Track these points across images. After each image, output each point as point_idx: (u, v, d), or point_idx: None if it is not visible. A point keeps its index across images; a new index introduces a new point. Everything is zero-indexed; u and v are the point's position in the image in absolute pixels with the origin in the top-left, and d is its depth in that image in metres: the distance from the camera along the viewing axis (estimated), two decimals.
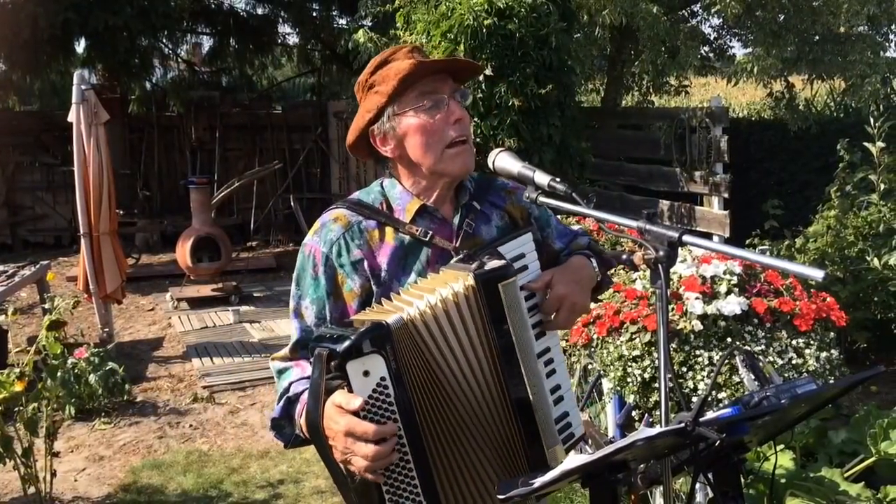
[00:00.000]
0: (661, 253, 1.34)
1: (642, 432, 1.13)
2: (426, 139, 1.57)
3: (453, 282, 1.46)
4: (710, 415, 1.31)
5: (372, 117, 1.61)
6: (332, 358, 1.35)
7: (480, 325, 1.47)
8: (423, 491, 1.40)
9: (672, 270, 3.22)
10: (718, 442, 1.22)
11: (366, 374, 1.35)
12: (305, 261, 1.61)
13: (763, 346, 3.05)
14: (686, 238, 1.34)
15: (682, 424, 1.17)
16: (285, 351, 1.62)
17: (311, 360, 1.38)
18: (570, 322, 1.62)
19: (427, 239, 1.60)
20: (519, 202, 1.75)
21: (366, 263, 1.57)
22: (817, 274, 1.22)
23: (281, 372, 1.61)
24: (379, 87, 1.60)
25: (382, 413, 1.37)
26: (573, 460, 1.20)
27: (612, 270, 1.83)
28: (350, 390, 1.35)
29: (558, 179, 1.56)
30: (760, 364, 2.91)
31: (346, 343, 1.33)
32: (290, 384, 1.57)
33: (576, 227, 1.89)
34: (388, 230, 1.60)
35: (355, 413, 1.34)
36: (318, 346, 1.37)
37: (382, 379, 1.36)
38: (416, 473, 1.39)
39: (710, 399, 2.91)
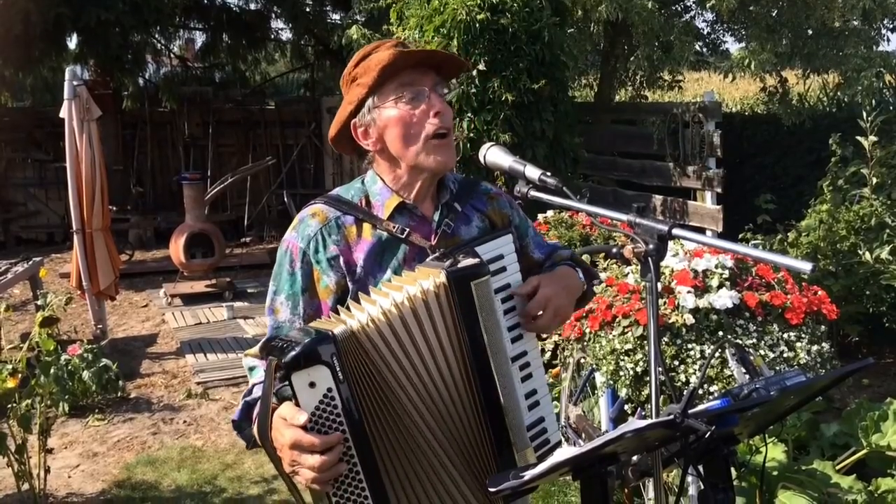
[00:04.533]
0: (651, 246, 1.35)
1: (632, 424, 1.14)
2: (405, 131, 1.56)
3: (424, 279, 1.44)
4: (699, 407, 1.32)
5: (353, 109, 1.60)
6: (279, 368, 1.34)
7: (451, 323, 1.45)
8: (373, 500, 1.38)
9: (664, 264, 3.24)
10: (708, 434, 1.22)
11: (311, 385, 1.33)
12: (283, 257, 1.60)
13: (754, 340, 3.06)
14: (676, 231, 1.35)
15: (672, 416, 1.18)
16: (256, 349, 1.60)
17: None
18: (552, 325, 1.61)
19: (403, 236, 1.59)
20: (501, 208, 1.74)
21: (342, 260, 1.56)
22: (806, 266, 1.23)
23: (252, 369, 1.60)
24: (360, 80, 1.59)
25: (330, 424, 1.35)
26: (564, 453, 1.20)
27: (596, 282, 1.83)
28: (296, 401, 1.34)
29: (549, 174, 1.56)
30: (751, 357, 2.92)
31: (291, 354, 1.32)
32: (253, 386, 1.56)
33: (554, 241, 1.89)
34: (366, 226, 1.59)
35: (302, 427, 1.33)
36: (270, 354, 1.37)
37: (329, 390, 1.34)
38: (365, 484, 1.38)
39: (701, 392, 2.92)
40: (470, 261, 1.48)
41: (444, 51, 1.66)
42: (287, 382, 1.34)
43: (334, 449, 1.34)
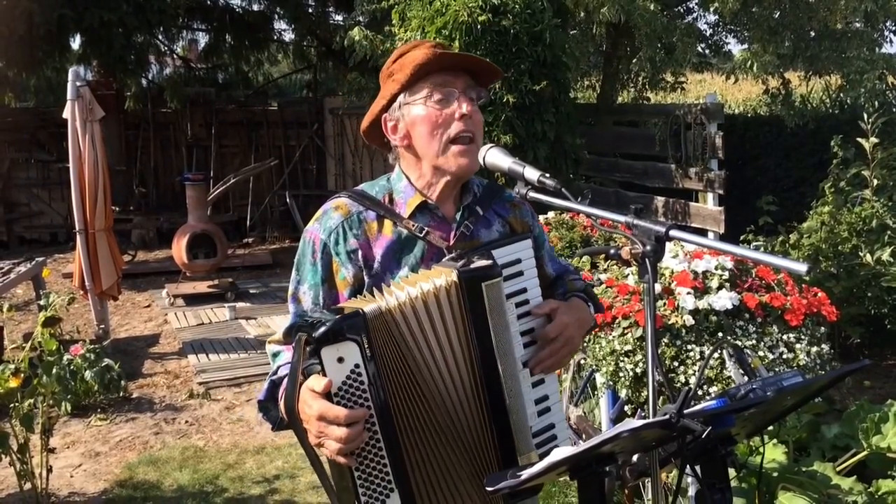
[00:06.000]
0: (649, 247, 1.36)
1: (628, 424, 1.15)
2: (430, 130, 1.59)
3: (437, 277, 1.47)
4: (696, 407, 1.32)
5: (385, 104, 1.64)
6: (309, 343, 1.37)
7: (460, 322, 1.48)
8: (394, 477, 1.41)
9: (664, 265, 3.24)
10: (704, 434, 1.23)
11: (340, 360, 1.37)
12: (306, 247, 1.64)
13: (754, 341, 3.06)
14: (673, 233, 1.35)
15: (667, 416, 1.18)
16: (279, 335, 1.64)
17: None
18: (561, 353, 1.60)
19: (422, 235, 1.61)
20: (522, 217, 1.76)
21: (360, 253, 1.59)
22: (801, 268, 1.24)
23: (275, 355, 1.64)
24: (396, 76, 1.62)
25: (356, 399, 1.38)
26: (561, 452, 1.21)
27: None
28: (325, 376, 1.37)
29: (548, 175, 1.57)
30: (749, 358, 2.92)
31: (322, 329, 1.36)
32: (278, 367, 1.60)
33: (566, 263, 1.92)
34: (387, 223, 1.62)
35: (327, 397, 1.37)
36: (300, 330, 1.40)
37: (356, 366, 1.38)
38: (387, 460, 1.41)
39: (700, 392, 2.93)
40: (483, 262, 1.50)
41: (480, 57, 1.68)
42: (317, 358, 1.37)
43: (360, 422, 1.37)
